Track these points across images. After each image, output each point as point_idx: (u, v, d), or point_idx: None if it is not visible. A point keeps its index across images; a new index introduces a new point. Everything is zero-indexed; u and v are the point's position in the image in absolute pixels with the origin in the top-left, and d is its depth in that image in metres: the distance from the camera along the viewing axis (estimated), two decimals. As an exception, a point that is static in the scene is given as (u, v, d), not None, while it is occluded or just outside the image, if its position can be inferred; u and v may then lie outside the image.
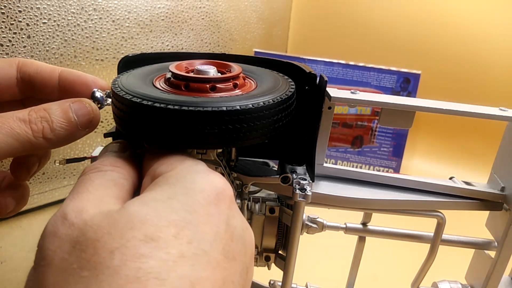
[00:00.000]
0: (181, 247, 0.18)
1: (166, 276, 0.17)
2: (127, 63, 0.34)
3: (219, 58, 0.33)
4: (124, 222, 0.19)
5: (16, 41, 0.55)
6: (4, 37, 0.54)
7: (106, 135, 0.33)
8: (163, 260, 0.18)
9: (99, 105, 0.30)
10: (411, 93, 0.90)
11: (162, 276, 0.17)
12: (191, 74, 0.28)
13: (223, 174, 0.31)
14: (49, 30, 0.58)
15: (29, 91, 0.32)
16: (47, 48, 0.59)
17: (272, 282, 0.41)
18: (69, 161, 0.32)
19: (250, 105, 0.25)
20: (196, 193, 0.21)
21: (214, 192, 0.22)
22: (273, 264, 0.39)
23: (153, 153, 0.25)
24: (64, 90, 0.31)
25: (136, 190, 0.25)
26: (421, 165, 0.97)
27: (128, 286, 0.17)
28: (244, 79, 0.30)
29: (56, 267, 0.18)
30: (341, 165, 0.81)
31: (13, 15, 0.54)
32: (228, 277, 0.20)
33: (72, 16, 0.60)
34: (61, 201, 0.68)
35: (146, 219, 0.19)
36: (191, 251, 0.19)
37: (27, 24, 0.56)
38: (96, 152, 0.31)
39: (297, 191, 0.32)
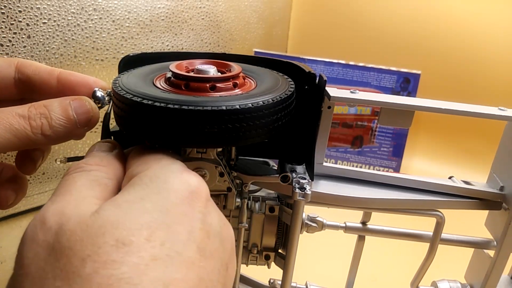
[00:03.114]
0: (154, 250, 0.18)
1: (139, 281, 0.17)
2: (128, 63, 0.34)
3: (219, 58, 0.33)
4: (97, 228, 0.19)
5: (16, 41, 0.56)
6: (4, 37, 0.54)
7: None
8: (135, 264, 0.18)
9: (100, 104, 0.30)
10: (411, 93, 0.90)
11: (134, 281, 0.17)
12: (191, 74, 0.28)
13: (223, 173, 0.31)
14: (49, 30, 0.59)
15: (27, 92, 0.32)
16: (47, 48, 0.59)
17: (272, 280, 0.41)
18: (70, 159, 0.32)
19: (250, 105, 0.26)
20: (169, 192, 0.21)
21: (187, 191, 0.21)
22: (273, 263, 0.39)
23: (134, 154, 0.25)
24: (64, 91, 0.31)
25: None
26: (421, 165, 0.97)
27: None
28: (244, 79, 0.30)
29: (33, 277, 0.18)
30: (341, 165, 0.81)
31: (13, 15, 0.54)
32: (205, 275, 0.20)
33: (72, 16, 0.61)
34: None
35: (118, 223, 0.19)
36: (164, 253, 0.19)
37: (27, 24, 0.56)
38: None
39: (297, 190, 0.32)
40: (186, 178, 0.22)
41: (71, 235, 0.18)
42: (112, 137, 0.31)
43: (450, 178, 0.40)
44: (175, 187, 0.21)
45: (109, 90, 0.31)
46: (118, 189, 0.24)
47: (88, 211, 0.20)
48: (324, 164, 0.37)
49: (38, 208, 0.67)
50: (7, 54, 0.55)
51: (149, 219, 0.19)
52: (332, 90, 0.35)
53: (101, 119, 0.30)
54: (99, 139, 0.29)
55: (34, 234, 0.19)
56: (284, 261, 0.36)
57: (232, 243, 0.24)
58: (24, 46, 0.57)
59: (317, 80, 0.33)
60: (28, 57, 0.57)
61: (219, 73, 0.30)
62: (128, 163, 0.25)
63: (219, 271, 0.21)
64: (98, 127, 0.30)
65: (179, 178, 0.22)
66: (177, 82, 0.28)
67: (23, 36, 0.56)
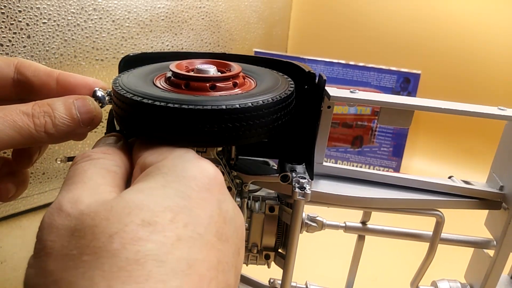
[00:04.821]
0: (178, 231, 0.19)
1: (165, 258, 0.18)
2: (128, 63, 0.34)
3: (219, 58, 0.33)
4: (121, 208, 0.19)
5: (16, 41, 0.56)
6: (4, 37, 0.54)
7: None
8: (161, 243, 0.18)
9: (100, 104, 0.30)
10: (411, 93, 0.90)
11: (160, 258, 0.18)
12: (192, 73, 0.28)
13: (223, 173, 0.31)
14: (49, 30, 0.59)
15: (26, 93, 0.32)
16: (47, 48, 0.59)
17: (272, 280, 0.41)
18: (70, 159, 0.32)
19: (250, 104, 0.26)
20: (189, 180, 0.22)
21: (206, 178, 0.22)
22: (273, 263, 0.39)
23: (143, 143, 0.26)
24: (63, 93, 0.31)
25: (130, 179, 0.25)
26: (421, 165, 0.97)
27: (128, 268, 0.17)
28: (244, 78, 0.30)
29: (56, 255, 0.19)
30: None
31: (13, 15, 0.54)
32: (222, 257, 0.21)
33: (72, 16, 0.61)
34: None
35: (142, 205, 0.19)
36: (187, 234, 0.19)
37: (27, 24, 0.56)
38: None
39: (297, 190, 0.32)
40: (203, 166, 0.23)
41: (95, 216, 0.19)
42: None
43: (450, 178, 0.40)
44: (194, 175, 0.22)
45: (109, 90, 0.31)
46: (127, 176, 0.24)
47: (105, 197, 0.20)
48: (324, 163, 0.37)
49: (38, 208, 0.67)
50: (7, 54, 0.55)
51: (171, 203, 0.20)
52: (332, 90, 0.35)
53: (103, 119, 0.30)
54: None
55: (52, 220, 0.20)
56: (284, 261, 0.36)
57: (243, 230, 0.24)
58: (24, 46, 0.57)
59: (317, 80, 0.33)
60: (28, 57, 0.57)
61: (219, 73, 0.30)
62: (136, 153, 0.26)
63: (233, 254, 0.22)
64: (99, 127, 0.30)
65: (197, 167, 0.23)
66: (177, 81, 0.28)
67: (23, 36, 0.56)
